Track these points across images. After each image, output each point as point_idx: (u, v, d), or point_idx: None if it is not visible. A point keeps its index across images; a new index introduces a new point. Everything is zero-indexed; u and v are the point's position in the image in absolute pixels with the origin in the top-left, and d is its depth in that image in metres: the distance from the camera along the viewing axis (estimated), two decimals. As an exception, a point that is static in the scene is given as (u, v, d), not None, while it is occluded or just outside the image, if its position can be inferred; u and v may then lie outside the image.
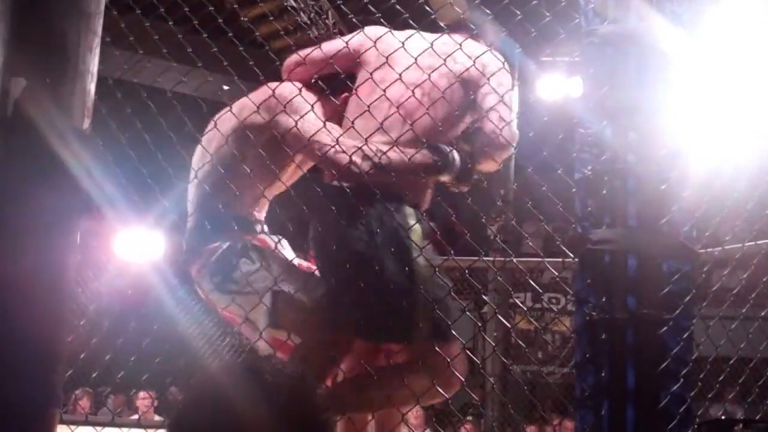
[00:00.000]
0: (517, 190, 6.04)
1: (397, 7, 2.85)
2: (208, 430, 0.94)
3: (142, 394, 8.51)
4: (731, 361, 3.10)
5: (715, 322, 2.97)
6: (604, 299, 2.26)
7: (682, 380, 2.25)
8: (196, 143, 3.09)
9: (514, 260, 5.36)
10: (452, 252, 2.91)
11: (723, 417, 2.26)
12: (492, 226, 6.09)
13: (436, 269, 2.80)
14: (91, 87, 2.10)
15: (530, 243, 5.07)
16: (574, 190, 2.37)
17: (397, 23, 2.92)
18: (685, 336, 2.29)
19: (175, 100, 3.13)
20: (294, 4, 7.84)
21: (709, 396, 3.13)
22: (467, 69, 2.94)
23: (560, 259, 3.74)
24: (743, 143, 3.30)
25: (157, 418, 7.99)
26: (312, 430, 1.01)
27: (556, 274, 3.23)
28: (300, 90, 2.95)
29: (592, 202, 2.33)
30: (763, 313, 3.14)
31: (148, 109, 3.08)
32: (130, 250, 7.35)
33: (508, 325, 2.72)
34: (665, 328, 2.25)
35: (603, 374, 2.23)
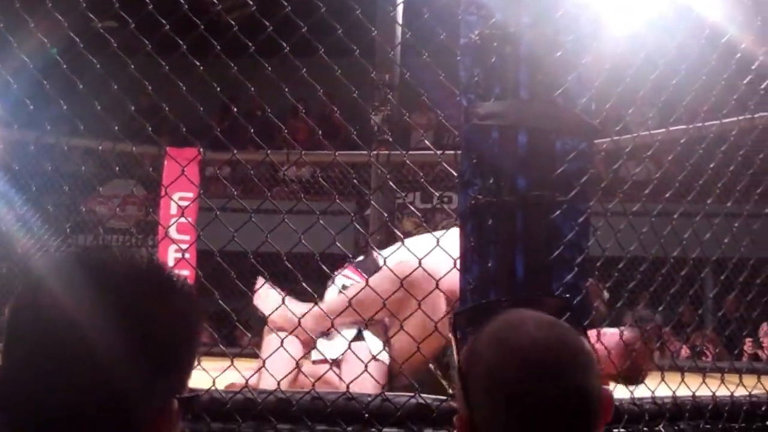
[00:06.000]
0: (405, 73, 6.06)
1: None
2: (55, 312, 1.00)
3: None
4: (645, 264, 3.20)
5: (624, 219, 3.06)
6: (491, 180, 2.35)
7: (576, 269, 2.38)
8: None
9: (402, 153, 5.41)
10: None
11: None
12: (375, 115, 6.11)
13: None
14: None
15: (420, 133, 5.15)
16: (458, 57, 2.42)
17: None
18: (580, 220, 2.40)
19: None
20: None
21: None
22: None
23: (453, 152, 3.81)
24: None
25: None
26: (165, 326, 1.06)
27: (450, 169, 3.30)
28: None
29: (479, 71, 2.40)
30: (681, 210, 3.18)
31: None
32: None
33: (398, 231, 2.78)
34: (558, 212, 2.36)
35: (489, 264, 2.34)
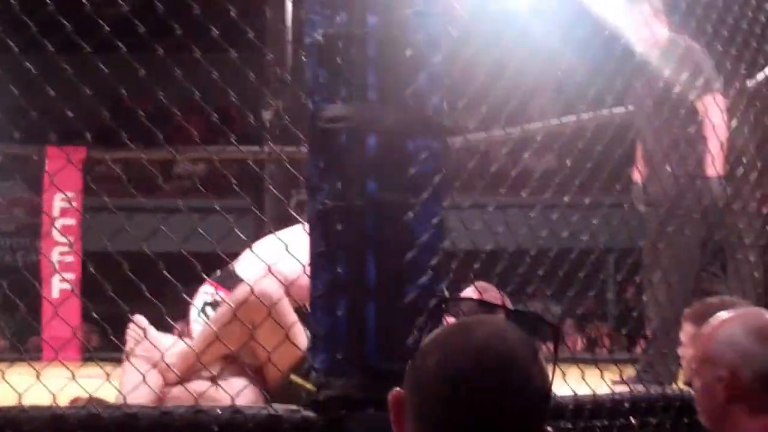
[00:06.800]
0: (296, 65, 6.02)
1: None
2: None
3: None
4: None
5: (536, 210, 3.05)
6: (339, 185, 2.33)
7: (431, 272, 2.37)
8: None
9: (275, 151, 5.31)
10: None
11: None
12: (267, 110, 6.03)
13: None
14: None
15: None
16: (303, 58, 2.39)
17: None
18: (434, 221, 2.40)
19: None
20: None
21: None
22: None
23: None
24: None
25: None
26: None
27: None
28: None
29: (324, 72, 2.36)
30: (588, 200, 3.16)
31: None
32: None
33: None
34: (411, 214, 2.35)
35: (339, 270, 2.31)
